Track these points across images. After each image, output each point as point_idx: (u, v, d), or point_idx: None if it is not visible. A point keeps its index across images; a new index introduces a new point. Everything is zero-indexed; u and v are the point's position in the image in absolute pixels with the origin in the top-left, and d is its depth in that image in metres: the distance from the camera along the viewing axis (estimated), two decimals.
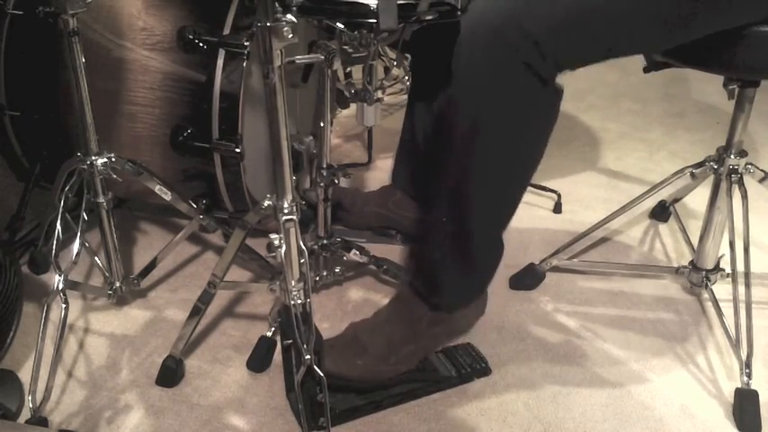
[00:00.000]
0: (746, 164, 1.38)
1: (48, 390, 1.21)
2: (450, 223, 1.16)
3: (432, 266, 1.22)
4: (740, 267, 1.34)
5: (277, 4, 0.85)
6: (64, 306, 1.30)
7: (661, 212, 1.81)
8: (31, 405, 1.19)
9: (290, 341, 1.04)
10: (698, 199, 1.69)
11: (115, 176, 1.33)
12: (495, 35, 1.02)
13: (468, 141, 1.09)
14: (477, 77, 1.05)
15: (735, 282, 1.34)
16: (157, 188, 1.40)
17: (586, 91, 2.64)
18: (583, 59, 1.08)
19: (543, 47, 1.01)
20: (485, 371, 1.31)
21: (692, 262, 1.50)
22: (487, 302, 1.33)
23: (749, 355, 1.25)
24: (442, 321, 1.25)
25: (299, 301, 1.04)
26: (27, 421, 1.17)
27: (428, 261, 1.22)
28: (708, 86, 2.61)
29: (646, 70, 1.37)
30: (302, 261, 1.03)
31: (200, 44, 1.42)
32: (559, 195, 1.87)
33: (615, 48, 1.09)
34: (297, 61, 1.24)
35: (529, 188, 1.87)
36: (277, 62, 0.89)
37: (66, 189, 1.36)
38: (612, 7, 1.03)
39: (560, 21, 1.02)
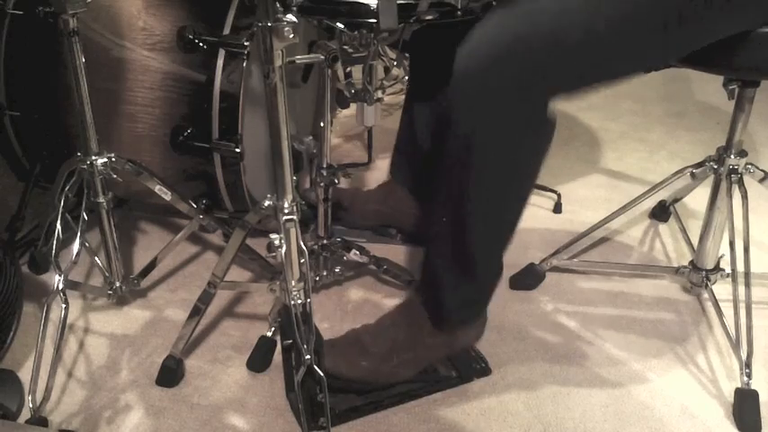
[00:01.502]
0: (746, 164, 1.38)
1: (48, 390, 1.21)
2: (450, 238, 1.16)
3: (434, 282, 1.22)
4: (740, 267, 1.34)
5: (277, 4, 0.85)
6: (64, 306, 1.30)
7: (661, 212, 1.81)
8: (31, 405, 1.19)
9: (290, 341, 1.04)
10: (698, 199, 1.69)
11: (115, 176, 1.33)
12: (492, 65, 1.01)
13: (463, 160, 1.09)
14: (473, 101, 1.04)
15: (735, 282, 1.34)
16: (157, 188, 1.40)
17: None
18: (581, 89, 1.09)
19: (541, 80, 1.01)
20: (485, 371, 1.31)
21: (692, 262, 1.50)
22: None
23: (749, 356, 1.25)
24: (442, 335, 1.25)
25: (299, 301, 1.04)
26: (27, 421, 1.17)
27: (431, 277, 1.22)
28: (708, 86, 2.61)
29: (646, 70, 1.37)
30: (302, 261, 1.03)
31: (201, 44, 1.42)
32: (559, 195, 1.87)
33: (616, 75, 1.09)
34: (297, 61, 1.24)
35: None
36: (277, 62, 0.89)
37: (67, 189, 1.35)
38: (613, 38, 1.03)
39: (559, 54, 1.01)
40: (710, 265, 1.46)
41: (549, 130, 1.08)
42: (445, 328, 1.24)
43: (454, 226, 1.14)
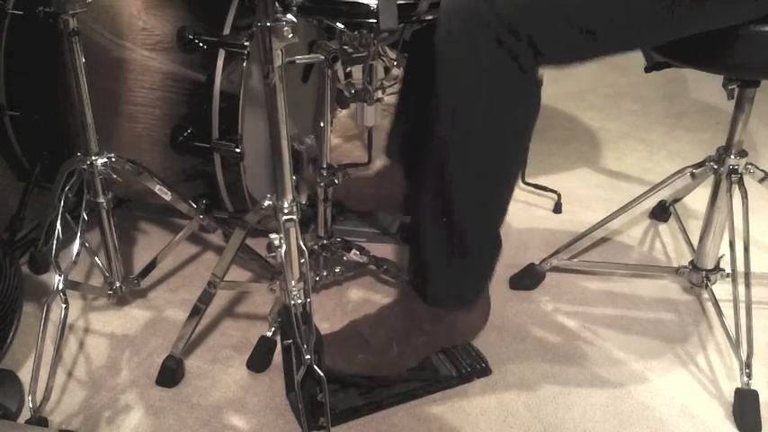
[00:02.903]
0: (746, 164, 1.38)
1: (48, 390, 1.21)
2: (439, 212, 1.15)
3: (426, 258, 1.21)
4: (740, 267, 1.34)
5: (277, 4, 0.85)
6: (64, 306, 1.30)
7: (661, 212, 1.81)
8: (31, 405, 1.19)
9: (290, 341, 1.04)
10: (698, 199, 1.69)
11: (115, 176, 1.33)
12: (469, 13, 1.00)
13: (448, 124, 1.07)
14: (455, 56, 1.03)
15: (735, 282, 1.33)
16: (157, 188, 1.40)
17: (586, 91, 2.64)
18: (562, 47, 1.06)
19: (516, 26, 0.99)
20: (485, 371, 1.31)
21: (692, 262, 1.50)
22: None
23: (749, 355, 1.25)
24: (442, 320, 1.25)
25: (299, 301, 1.04)
26: (27, 421, 1.17)
27: (423, 251, 1.21)
28: (708, 86, 2.61)
29: (646, 70, 1.37)
30: (302, 261, 1.03)
31: (201, 44, 1.42)
32: (559, 195, 1.87)
33: (596, 32, 1.06)
34: (297, 61, 1.24)
35: (529, 188, 1.89)
36: (277, 62, 0.89)
37: (67, 189, 1.36)
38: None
39: (543, 7, 1.00)
40: (710, 266, 1.46)
41: (533, 90, 1.07)
42: (440, 304, 1.23)
43: (442, 195, 1.13)
